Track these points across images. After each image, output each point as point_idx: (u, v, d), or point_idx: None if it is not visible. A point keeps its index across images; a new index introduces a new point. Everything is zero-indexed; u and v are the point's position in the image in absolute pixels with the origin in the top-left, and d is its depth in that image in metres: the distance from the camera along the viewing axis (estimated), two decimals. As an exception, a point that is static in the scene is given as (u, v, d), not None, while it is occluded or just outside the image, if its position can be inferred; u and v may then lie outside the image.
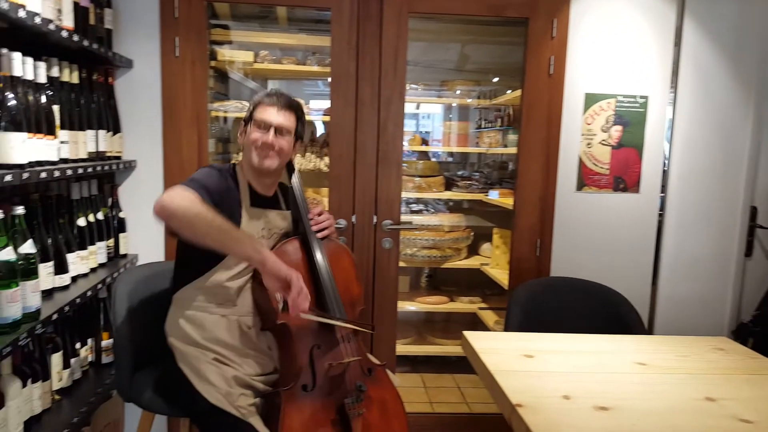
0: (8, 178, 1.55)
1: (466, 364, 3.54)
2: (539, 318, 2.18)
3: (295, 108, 1.94)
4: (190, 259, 1.81)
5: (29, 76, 1.78)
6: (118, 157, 2.53)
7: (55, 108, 1.96)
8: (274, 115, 1.88)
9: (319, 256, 1.91)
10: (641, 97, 2.74)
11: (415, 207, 3.80)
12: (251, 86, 3.60)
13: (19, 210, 1.69)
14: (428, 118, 4.61)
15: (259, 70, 3.36)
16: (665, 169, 2.81)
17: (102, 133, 2.36)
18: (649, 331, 2.85)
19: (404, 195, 3.12)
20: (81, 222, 2.23)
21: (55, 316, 1.80)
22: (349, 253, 2.07)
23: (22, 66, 1.72)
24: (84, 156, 2.20)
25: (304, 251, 1.93)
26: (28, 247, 1.70)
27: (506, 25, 3.26)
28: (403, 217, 2.81)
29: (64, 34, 1.91)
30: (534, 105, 2.70)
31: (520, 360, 1.62)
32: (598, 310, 2.28)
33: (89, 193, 2.32)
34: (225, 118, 3.30)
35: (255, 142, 1.87)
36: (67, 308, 1.89)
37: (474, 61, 3.95)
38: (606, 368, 1.63)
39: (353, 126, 2.64)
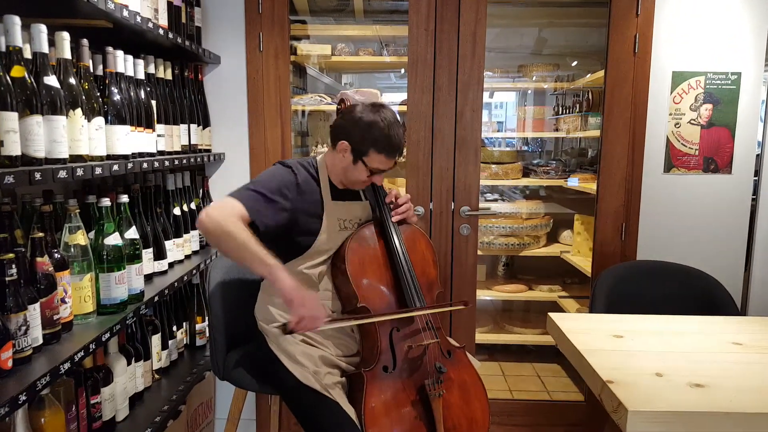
0: (116, 168, 1.67)
1: (545, 353, 3.54)
2: (625, 301, 2.12)
3: (402, 151, 1.91)
4: (270, 251, 1.86)
5: (129, 73, 1.90)
6: (208, 150, 2.65)
7: (153, 103, 2.08)
8: (390, 164, 1.87)
9: (395, 239, 1.93)
10: (733, 73, 2.60)
11: (489, 196, 3.76)
12: (326, 81, 3.67)
13: (124, 198, 1.82)
14: (501, 107, 4.54)
15: (335, 64, 3.42)
16: (759, 150, 2.67)
17: (193, 127, 2.48)
18: (742, 315, 2.72)
19: (481, 183, 3.09)
20: (176, 211, 2.37)
21: (156, 298, 1.92)
22: (424, 236, 2.08)
23: (123, 63, 1.85)
24: (178, 149, 2.33)
25: (381, 235, 1.96)
26: (132, 233, 1.83)
27: (585, 5, 3.18)
28: (482, 205, 2.80)
29: (161, 32, 2.02)
30: (618, 85, 2.62)
31: (609, 340, 1.59)
32: (688, 293, 2.19)
33: (183, 184, 2.45)
34: (303, 112, 3.39)
35: (363, 182, 1.91)
36: (166, 291, 2.01)
37: (551, 45, 3.87)
38: (700, 348, 1.59)
39: (430, 113, 2.66)
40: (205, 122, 2.62)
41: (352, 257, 1.88)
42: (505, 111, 4.42)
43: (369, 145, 1.82)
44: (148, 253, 2.06)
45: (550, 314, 1.72)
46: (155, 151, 2.07)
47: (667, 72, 2.61)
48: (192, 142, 2.47)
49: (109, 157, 1.71)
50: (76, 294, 1.59)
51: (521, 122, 3.87)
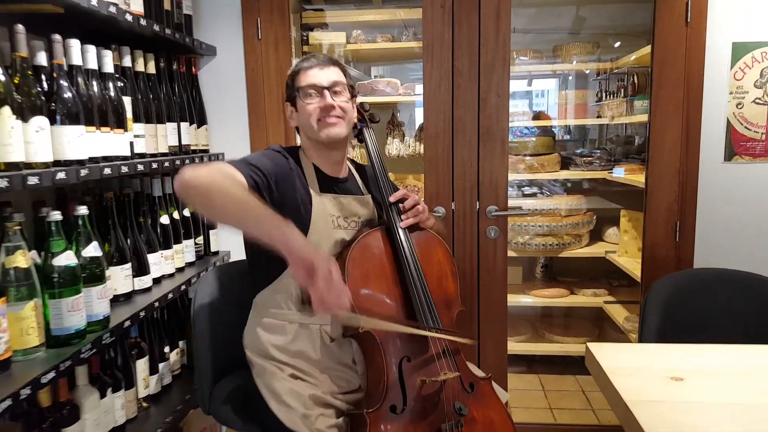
0: (61, 175, 1.42)
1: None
2: (683, 321, 1.75)
3: (335, 61, 1.71)
4: (259, 261, 1.60)
5: (92, 66, 1.65)
6: (205, 150, 2.41)
7: (127, 100, 1.84)
8: (320, 75, 1.64)
9: (405, 248, 1.63)
10: (808, 41, 2.19)
11: (528, 190, 3.42)
12: (353, 74, 3.39)
13: (82, 210, 1.57)
14: (542, 96, 4.17)
15: (355, 53, 3.15)
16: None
17: (185, 125, 2.25)
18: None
19: (513, 177, 2.75)
20: (164, 220, 2.12)
21: (127, 323, 1.67)
22: (442, 243, 1.77)
23: (81, 54, 1.60)
24: (164, 150, 2.09)
25: (389, 243, 1.67)
26: (92, 250, 1.57)
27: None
28: (514, 202, 2.46)
29: (129, 18, 1.77)
30: (668, 61, 2.24)
31: (665, 384, 1.21)
32: (764, 311, 1.79)
33: (172, 190, 2.21)
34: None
35: (313, 113, 1.63)
36: (142, 314, 1.77)
37: (590, 24, 3.48)
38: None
39: (449, 100, 2.33)
40: (200, 120, 2.38)
41: (353, 270, 1.59)
42: (546, 99, 4.06)
43: (291, 78, 1.70)
44: (125, 270, 1.82)
45: (589, 345, 1.37)
46: (130, 154, 1.82)
47: (726, 44, 2.23)
48: (183, 143, 2.23)
49: (56, 163, 1.46)
50: (15, 326, 1.35)
51: (562, 109, 3.49)
